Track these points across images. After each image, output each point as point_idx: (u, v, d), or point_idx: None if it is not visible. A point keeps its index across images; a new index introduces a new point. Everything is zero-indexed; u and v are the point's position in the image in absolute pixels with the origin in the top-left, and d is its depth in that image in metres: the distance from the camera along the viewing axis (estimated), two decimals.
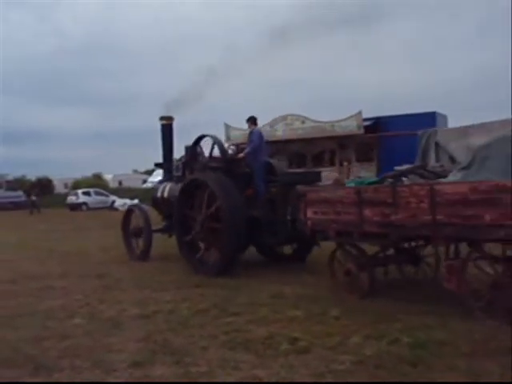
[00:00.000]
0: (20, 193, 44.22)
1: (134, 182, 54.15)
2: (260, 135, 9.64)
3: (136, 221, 11.49)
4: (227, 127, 28.93)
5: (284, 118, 27.61)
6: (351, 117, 25.26)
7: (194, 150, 10.25)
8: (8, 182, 44.33)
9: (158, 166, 12.80)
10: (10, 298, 7.66)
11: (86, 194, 41.14)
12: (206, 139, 10.04)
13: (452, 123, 23.24)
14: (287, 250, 10.11)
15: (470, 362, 4.32)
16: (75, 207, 39.22)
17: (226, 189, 8.76)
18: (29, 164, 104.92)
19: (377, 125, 24.87)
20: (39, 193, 39.53)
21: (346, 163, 25.64)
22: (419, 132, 7.69)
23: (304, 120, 27.08)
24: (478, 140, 6.22)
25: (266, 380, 4.18)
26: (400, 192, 6.02)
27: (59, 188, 57.73)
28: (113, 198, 40.35)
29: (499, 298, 5.32)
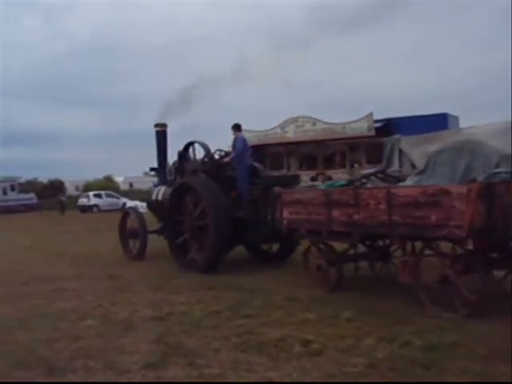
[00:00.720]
0: (32, 195, 44.55)
1: (145, 184, 54.34)
2: (244, 141, 10.23)
3: (132, 223, 12.02)
4: None
5: (295, 119, 27.63)
6: (362, 118, 25.24)
7: (183, 155, 10.89)
8: (20, 184, 44.56)
9: (152, 170, 13.19)
10: (23, 300, 7.72)
11: (97, 196, 41.35)
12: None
13: (464, 124, 23.11)
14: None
15: (484, 364, 4.28)
16: (86, 209, 39.41)
17: (212, 191, 9.38)
18: (41, 166, 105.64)
19: (388, 126, 24.79)
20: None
21: (356, 165, 25.60)
22: (385, 139, 8.23)
23: (315, 122, 27.09)
24: (434, 148, 6.74)
25: (278, 382, 4.18)
26: (361, 194, 6.61)
27: (71, 190, 58.14)
28: (124, 200, 40.50)
29: (447, 292, 5.81)
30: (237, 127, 10.35)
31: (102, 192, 42.77)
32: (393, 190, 6.25)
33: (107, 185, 55.63)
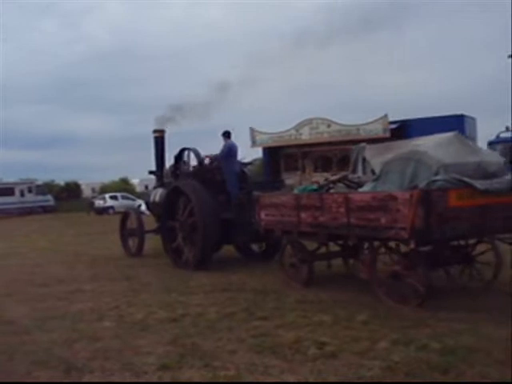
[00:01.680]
0: (49, 197, 45.02)
1: None
2: (230, 148, 10.93)
3: (131, 223, 13.00)
4: (252, 131, 29.00)
5: (309, 121, 27.58)
6: (377, 120, 25.12)
7: (177, 160, 11.79)
8: (38, 186, 45.05)
9: (151, 173, 13.71)
10: (42, 301, 7.82)
11: (113, 198, 41.65)
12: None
13: (481, 126, 22.89)
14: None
15: (502, 369, 4.24)
16: (102, 211, 39.70)
17: (200, 194, 10.11)
18: (58, 169, 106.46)
19: (403, 128, 24.66)
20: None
21: None
22: (353, 147, 8.72)
23: (329, 123, 27.02)
24: (390, 156, 7.28)
25: None
26: (325, 199, 7.35)
27: (87, 192, 58.62)
28: (139, 201, 40.71)
29: (397, 285, 6.58)
30: (226, 134, 11.02)
31: (118, 194, 43.08)
32: (350, 195, 7.01)
33: (123, 187, 55.98)
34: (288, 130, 28.33)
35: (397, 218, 6.17)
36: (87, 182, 62.51)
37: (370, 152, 7.90)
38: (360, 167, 8.17)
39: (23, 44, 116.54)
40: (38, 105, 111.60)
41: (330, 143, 26.84)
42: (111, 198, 41.75)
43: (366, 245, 7.43)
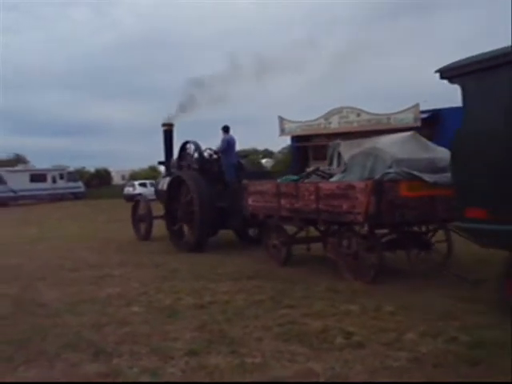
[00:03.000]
0: (80, 183, 45.76)
1: None
2: (228, 142, 11.98)
3: (142, 209, 14.19)
4: (281, 120, 28.89)
5: (339, 110, 27.31)
6: (408, 109, 24.73)
7: (181, 152, 12.89)
8: (69, 173, 45.82)
9: (160, 163, 14.94)
10: (72, 285, 7.98)
11: (143, 185, 42.03)
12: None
13: None
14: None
15: None
16: (131, 198, 40.06)
17: (198, 184, 11.19)
18: (88, 156, 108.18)
19: (434, 117, 24.22)
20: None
21: None
22: (330, 143, 9.77)
23: (359, 113, 26.73)
24: (356, 152, 8.26)
25: (321, 374, 4.18)
26: (300, 187, 8.44)
27: (117, 179, 59.34)
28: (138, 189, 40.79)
29: (358, 263, 7.53)
30: (224, 129, 12.11)
31: (147, 181, 43.45)
32: (319, 185, 8.08)
33: (152, 174, 56.48)
34: (317, 119, 28.14)
35: (355, 204, 7.20)
36: (117, 169, 63.22)
37: (343, 148, 8.85)
38: (335, 161, 9.09)
39: (54, 32, 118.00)
40: (68, 92, 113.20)
41: (359, 133, 26.56)
42: (140, 185, 42.09)
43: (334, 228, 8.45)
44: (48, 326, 5.81)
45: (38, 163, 51.15)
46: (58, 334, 5.51)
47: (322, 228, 9.01)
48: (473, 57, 5.63)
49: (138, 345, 5.05)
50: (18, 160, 58.06)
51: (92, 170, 58.97)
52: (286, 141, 32.15)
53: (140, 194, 39.74)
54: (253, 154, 50.69)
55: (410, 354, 4.48)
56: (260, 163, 50.35)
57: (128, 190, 42.11)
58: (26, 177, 41.28)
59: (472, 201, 5.62)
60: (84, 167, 58.80)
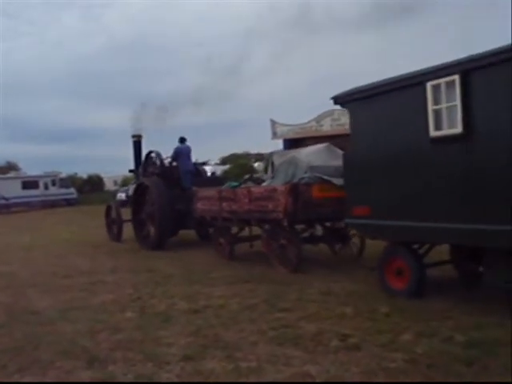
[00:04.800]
0: (72, 190, 45.50)
1: None
2: (176, 151, 13.45)
3: (114, 213, 15.52)
4: (273, 123, 28.90)
5: (331, 112, 27.30)
6: None
7: (146, 160, 14.26)
8: (61, 179, 45.54)
9: (131, 171, 16.16)
10: (65, 292, 7.93)
11: None
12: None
13: None
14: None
15: None
16: (124, 204, 39.87)
17: (159, 189, 12.62)
18: (80, 162, 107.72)
19: None
20: None
21: None
22: (265, 154, 11.29)
23: None
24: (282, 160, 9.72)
25: (316, 377, 4.16)
26: (237, 192, 9.82)
27: (109, 185, 59.06)
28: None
29: (283, 254, 8.83)
30: (180, 139, 13.54)
31: None
32: (251, 189, 9.48)
33: None
34: (309, 122, 28.14)
35: (277, 204, 8.57)
36: (109, 174, 62.95)
37: (275, 157, 10.15)
38: (270, 169, 10.27)
39: (46, 37, 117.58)
40: (60, 98, 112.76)
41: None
42: None
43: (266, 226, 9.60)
44: (41, 333, 5.76)
45: (30, 170, 50.94)
46: (52, 341, 5.46)
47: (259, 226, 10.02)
48: (357, 87, 7.03)
49: (133, 351, 5.02)
50: (10, 167, 57.74)
51: (84, 175, 58.70)
52: (279, 144, 32.14)
53: None
54: (243, 158, 50.61)
55: (406, 355, 4.48)
56: (252, 167, 50.35)
57: (121, 196, 41.90)
58: (18, 184, 41.02)
59: (358, 201, 7.01)
60: (76, 173, 58.53)
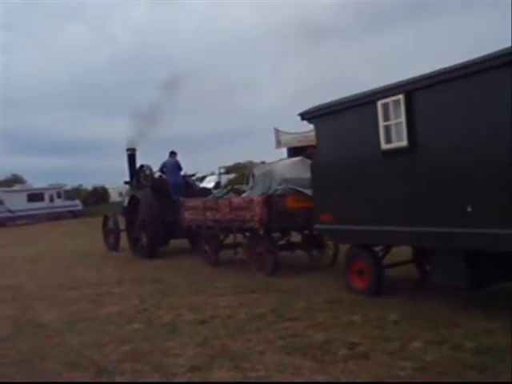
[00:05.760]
0: (77, 202, 45.59)
1: None
2: (164, 164, 14.14)
3: (111, 223, 15.85)
4: (277, 132, 28.91)
5: None
6: None
7: (138, 173, 14.89)
8: (66, 191, 45.64)
9: (126, 183, 16.72)
10: (72, 304, 7.93)
11: None
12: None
13: None
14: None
15: None
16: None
17: (149, 201, 13.42)
18: (86, 174, 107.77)
19: None
20: None
21: None
22: (247, 165, 11.67)
23: None
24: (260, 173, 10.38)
25: None
26: (219, 202, 10.43)
27: (114, 196, 59.14)
28: None
29: (261, 260, 9.41)
30: (170, 153, 14.16)
31: None
32: (232, 200, 10.09)
33: None
34: (312, 130, 28.10)
35: (254, 214, 9.08)
36: (114, 185, 63.07)
37: (256, 170, 10.75)
38: (251, 180, 10.73)
39: (50, 49, 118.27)
40: (65, 110, 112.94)
41: None
42: None
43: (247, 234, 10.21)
44: (48, 345, 5.76)
45: (36, 182, 50.96)
46: (59, 353, 5.46)
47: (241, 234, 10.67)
48: (320, 104, 7.63)
49: (140, 362, 5.00)
50: (15, 180, 57.93)
51: (89, 187, 58.83)
52: (283, 153, 32.12)
53: None
54: (247, 168, 50.62)
55: (415, 363, 4.44)
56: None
57: (125, 203, 41.88)
58: (24, 196, 41.12)
59: (323, 209, 7.65)
60: (81, 185, 58.68)
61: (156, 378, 4.57)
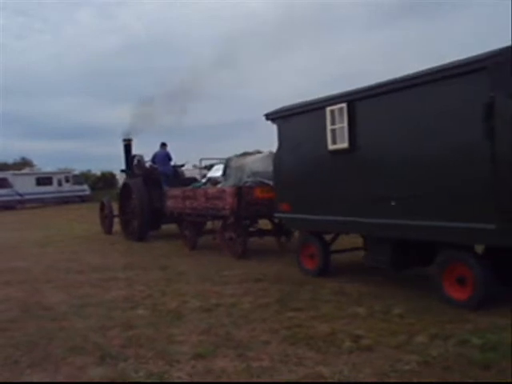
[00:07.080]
0: (85, 187, 45.77)
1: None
2: (154, 155, 15.20)
3: (106, 209, 17.02)
4: None
5: None
6: None
7: (131, 163, 16.07)
8: (74, 176, 45.82)
9: (122, 171, 17.51)
10: (79, 288, 7.96)
11: None
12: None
13: None
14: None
15: None
16: None
17: (139, 189, 14.58)
18: (94, 159, 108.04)
19: None
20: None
21: None
22: (226, 158, 12.15)
23: None
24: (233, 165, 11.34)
25: (329, 378, 4.11)
26: (196, 192, 11.54)
27: (121, 182, 59.23)
28: None
29: (232, 245, 10.45)
30: (161, 144, 15.21)
31: None
32: (207, 190, 11.28)
33: None
34: None
35: (226, 203, 10.12)
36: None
37: (231, 162, 11.47)
38: (227, 172, 11.45)
39: (61, 36, 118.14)
40: (75, 96, 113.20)
41: None
42: None
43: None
44: (54, 329, 5.78)
45: (45, 166, 51.17)
46: (64, 337, 5.48)
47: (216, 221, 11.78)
48: (282, 107, 8.61)
49: (144, 348, 5.01)
50: (25, 163, 58.22)
51: (98, 172, 59.02)
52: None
53: None
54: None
55: (420, 357, 4.41)
56: None
57: None
58: (32, 180, 41.33)
59: (283, 199, 8.68)
60: (90, 170, 58.87)
61: (159, 364, 4.57)
